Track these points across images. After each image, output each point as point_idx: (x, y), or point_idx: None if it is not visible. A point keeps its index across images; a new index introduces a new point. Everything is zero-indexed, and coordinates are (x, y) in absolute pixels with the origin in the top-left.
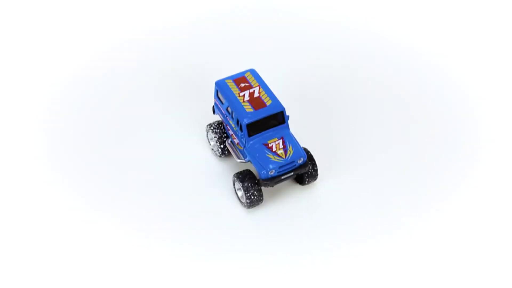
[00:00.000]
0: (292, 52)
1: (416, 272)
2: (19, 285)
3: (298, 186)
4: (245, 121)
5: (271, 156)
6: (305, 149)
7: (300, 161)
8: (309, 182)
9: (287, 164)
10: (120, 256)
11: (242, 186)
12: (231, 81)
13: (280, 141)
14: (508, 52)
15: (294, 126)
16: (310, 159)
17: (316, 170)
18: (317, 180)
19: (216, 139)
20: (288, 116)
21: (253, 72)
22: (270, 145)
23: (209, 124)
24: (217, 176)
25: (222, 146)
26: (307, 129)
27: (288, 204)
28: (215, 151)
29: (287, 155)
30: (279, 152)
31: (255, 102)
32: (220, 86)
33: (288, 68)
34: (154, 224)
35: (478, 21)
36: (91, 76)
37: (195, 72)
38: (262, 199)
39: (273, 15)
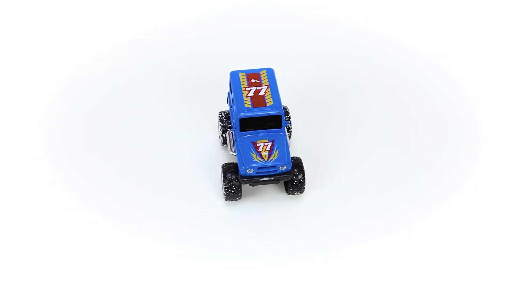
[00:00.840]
0: (292, 52)
1: (416, 272)
2: (19, 285)
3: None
4: (239, 115)
5: (254, 155)
6: (297, 160)
7: (283, 169)
8: (293, 192)
9: (267, 167)
10: (120, 256)
11: (223, 177)
12: (244, 74)
13: (269, 144)
14: (508, 52)
15: (295, 125)
16: (300, 170)
17: (303, 182)
18: (317, 179)
19: (220, 127)
20: (287, 122)
21: (269, 71)
22: (257, 145)
23: (220, 112)
24: (217, 176)
25: (224, 135)
26: (307, 128)
27: (288, 204)
28: (220, 139)
29: (270, 158)
30: (263, 153)
31: (257, 99)
32: (232, 77)
33: (288, 68)
34: (154, 224)
35: (478, 21)
36: (91, 76)
37: (195, 72)
38: (240, 196)
39: (273, 15)
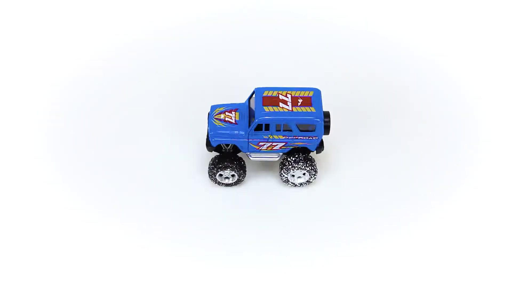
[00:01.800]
0: (292, 52)
1: (416, 272)
2: (19, 285)
3: (298, 186)
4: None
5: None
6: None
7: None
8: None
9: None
10: (120, 256)
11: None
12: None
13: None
14: (508, 52)
15: None
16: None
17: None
18: (317, 178)
19: None
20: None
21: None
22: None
23: None
24: None
25: None
26: None
27: (288, 204)
28: None
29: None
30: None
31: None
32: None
33: (288, 67)
34: (154, 224)
35: (478, 21)
36: (91, 76)
37: (195, 72)
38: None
39: (274, 15)
